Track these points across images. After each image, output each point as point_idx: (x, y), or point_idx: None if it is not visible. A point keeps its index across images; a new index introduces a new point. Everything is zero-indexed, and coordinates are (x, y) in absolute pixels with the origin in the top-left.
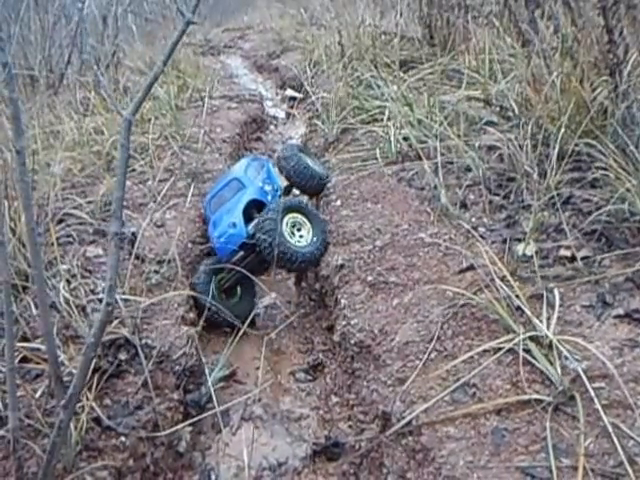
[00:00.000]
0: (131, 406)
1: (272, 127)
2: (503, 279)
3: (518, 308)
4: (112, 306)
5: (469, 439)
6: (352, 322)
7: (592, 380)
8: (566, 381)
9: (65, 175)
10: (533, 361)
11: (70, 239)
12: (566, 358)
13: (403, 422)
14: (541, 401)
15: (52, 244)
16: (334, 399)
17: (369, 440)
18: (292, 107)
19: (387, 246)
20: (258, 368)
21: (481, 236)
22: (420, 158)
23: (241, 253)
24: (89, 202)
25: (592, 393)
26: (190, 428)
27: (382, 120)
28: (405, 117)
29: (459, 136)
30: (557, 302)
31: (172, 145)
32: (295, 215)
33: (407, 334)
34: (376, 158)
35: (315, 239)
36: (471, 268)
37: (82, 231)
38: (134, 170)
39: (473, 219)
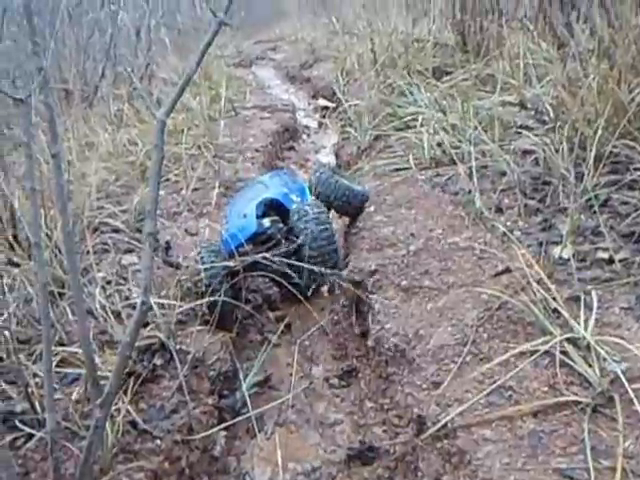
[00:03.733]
0: (166, 410)
1: (305, 136)
2: (539, 282)
3: (555, 310)
4: (147, 305)
5: (506, 441)
6: (386, 326)
7: (632, 381)
8: (605, 383)
9: (100, 185)
10: (570, 363)
11: (106, 247)
12: (604, 359)
13: (438, 425)
14: (579, 403)
15: (87, 252)
16: (368, 404)
17: (404, 444)
18: (324, 116)
19: (421, 251)
20: (292, 374)
21: (517, 239)
22: (454, 163)
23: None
24: (123, 211)
25: (631, 394)
26: (225, 433)
27: (415, 127)
28: (439, 123)
29: (493, 140)
30: (595, 304)
31: (205, 155)
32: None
33: (442, 337)
34: (409, 164)
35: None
36: (507, 271)
37: (117, 240)
38: (168, 180)
39: (508, 223)
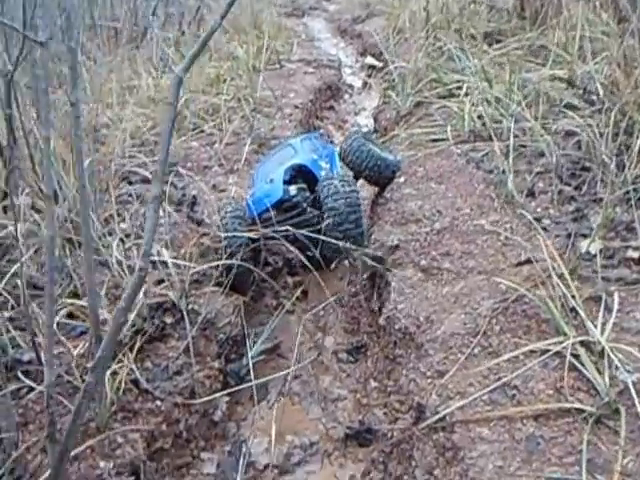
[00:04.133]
0: (170, 371)
1: (347, 96)
2: (561, 277)
3: (573, 309)
4: (145, 271)
5: (502, 443)
6: (399, 307)
7: None
8: (613, 393)
9: (135, 132)
10: (581, 368)
11: (131, 198)
12: (617, 368)
13: (436, 417)
14: (583, 411)
15: (111, 201)
16: (373, 384)
17: (401, 431)
18: (370, 76)
19: (445, 230)
20: (302, 344)
21: (544, 228)
22: (492, 139)
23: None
24: (154, 161)
25: (639, 408)
26: (227, 398)
27: (459, 95)
28: (482, 94)
29: (536, 118)
30: (615, 307)
31: (244, 108)
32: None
33: (453, 325)
34: (447, 136)
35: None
36: (529, 262)
37: (145, 190)
38: (202, 131)
39: (539, 209)
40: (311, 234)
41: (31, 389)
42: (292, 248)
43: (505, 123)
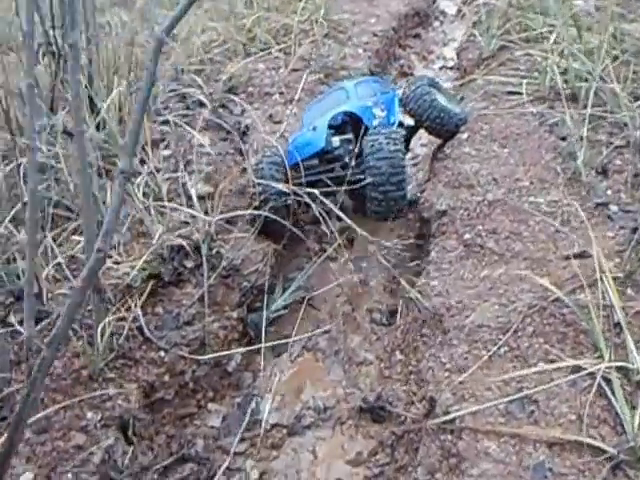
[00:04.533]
0: (181, 320)
1: (437, 24)
2: (614, 280)
3: (617, 325)
4: (104, 253)
5: (507, 465)
6: (432, 283)
7: None
8: None
9: (203, 47)
10: (611, 397)
11: (185, 121)
12: None
13: (446, 417)
14: (603, 451)
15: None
16: (398, 356)
17: (412, 420)
18: (465, 2)
19: (498, 203)
20: (338, 296)
21: (609, 217)
22: (573, 99)
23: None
24: (217, 80)
25: None
26: (243, 350)
27: (548, 40)
28: (572, 44)
29: (626, 81)
30: None
31: (316, 32)
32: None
33: (484, 316)
34: (524, 89)
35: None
36: (581, 256)
37: (197, 113)
38: (270, 54)
39: (609, 191)
40: (351, 190)
41: None
42: (328, 202)
43: (592, 84)
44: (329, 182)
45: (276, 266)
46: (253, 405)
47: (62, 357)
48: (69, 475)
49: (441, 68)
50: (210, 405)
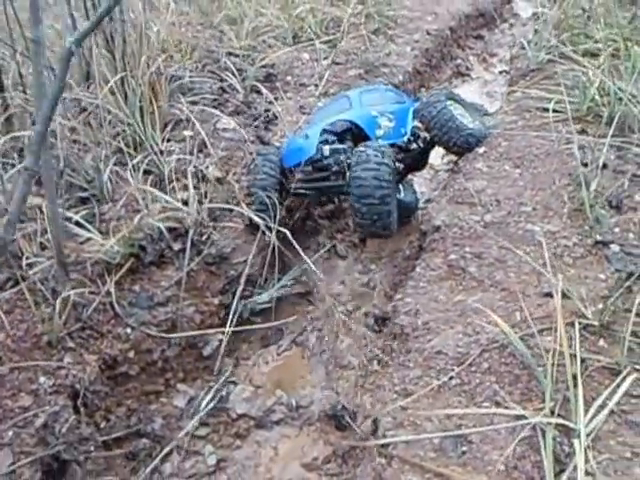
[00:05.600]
0: (155, 300)
1: (506, 26)
2: (586, 328)
3: (574, 377)
4: (5, 242)
5: None
6: (406, 299)
7: None
8: None
9: (254, 32)
10: (543, 454)
11: (215, 104)
12: (587, 474)
13: (383, 441)
14: None
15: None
16: (375, 366)
17: (360, 437)
18: (545, 5)
19: (493, 225)
20: (340, 295)
21: (607, 257)
22: (611, 124)
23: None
24: (258, 67)
25: None
26: (220, 335)
27: (598, 56)
28: (623, 62)
29: None
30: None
31: (365, 27)
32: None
33: (445, 342)
34: (560, 107)
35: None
36: (563, 296)
37: (228, 98)
38: (312, 45)
39: (617, 229)
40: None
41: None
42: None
43: (628, 107)
44: (323, 190)
45: (278, 258)
46: (224, 392)
47: (26, 322)
48: (10, 433)
49: (501, 72)
50: (179, 385)
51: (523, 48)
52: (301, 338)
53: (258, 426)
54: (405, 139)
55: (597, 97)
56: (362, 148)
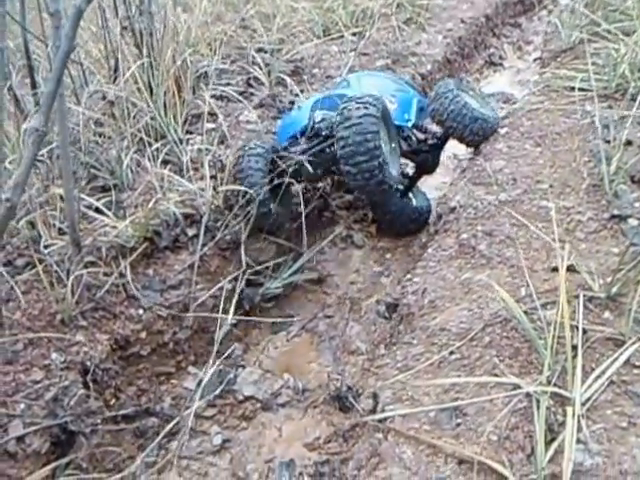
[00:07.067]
0: (167, 283)
1: (545, 12)
2: (591, 300)
3: (574, 347)
4: (12, 204)
5: (412, 474)
6: (415, 279)
7: None
8: (547, 473)
9: (284, 26)
10: (535, 423)
11: (241, 97)
12: (580, 442)
13: (381, 416)
14: (505, 478)
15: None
16: (382, 350)
17: (360, 415)
18: None
19: (507, 204)
20: (353, 283)
21: (623, 231)
22: (634, 100)
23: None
24: (286, 60)
25: None
26: (234, 321)
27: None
28: None
29: None
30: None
31: (396, 17)
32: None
33: (449, 319)
34: (588, 85)
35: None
36: (569, 269)
37: (254, 92)
38: (342, 36)
39: (637, 204)
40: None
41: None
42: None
43: None
44: (321, 162)
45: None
46: (232, 375)
47: (41, 301)
48: (21, 405)
49: (535, 60)
50: (190, 368)
51: (557, 29)
52: (311, 325)
53: (264, 408)
54: (409, 125)
55: (627, 73)
56: (345, 104)
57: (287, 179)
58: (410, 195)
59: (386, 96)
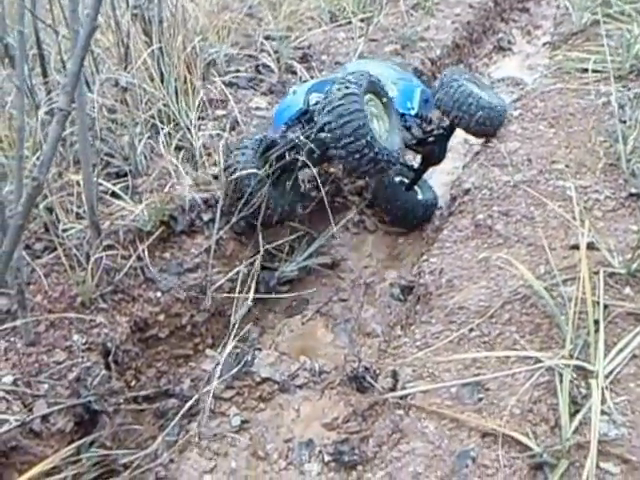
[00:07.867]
0: (185, 266)
1: None
2: (612, 276)
3: (596, 322)
4: (39, 182)
5: (436, 448)
6: (431, 260)
7: (605, 456)
8: (573, 442)
9: (292, 14)
10: (559, 396)
11: (251, 84)
12: (603, 413)
13: (402, 393)
14: (529, 448)
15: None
16: (398, 331)
17: (380, 393)
18: None
19: (523, 184)
20: (367, 267)
21: None
22: None
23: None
24: (298, 48)
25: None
26: (251, 303)
27: None
28: None
29: None
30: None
31: (405, 2)
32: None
33: (468, 298)
34: (602, 67)
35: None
36: (588, 247)
37: (263, 78)
38: (350, 23)
39: None
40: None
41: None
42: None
43: None
44: (318, 148)
45: (319, 229)
46: (249, 357)
47: (61, 284)
48: (45, 385)
49: (544, 44)
50: (208, 351)
51: (567, 11)
52: (326, 308)
53: (282, 390)
54: (412, 113)
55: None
56: (329, 86)
57: (282, 168)
58: (416, 188)
59: (387, 83)
